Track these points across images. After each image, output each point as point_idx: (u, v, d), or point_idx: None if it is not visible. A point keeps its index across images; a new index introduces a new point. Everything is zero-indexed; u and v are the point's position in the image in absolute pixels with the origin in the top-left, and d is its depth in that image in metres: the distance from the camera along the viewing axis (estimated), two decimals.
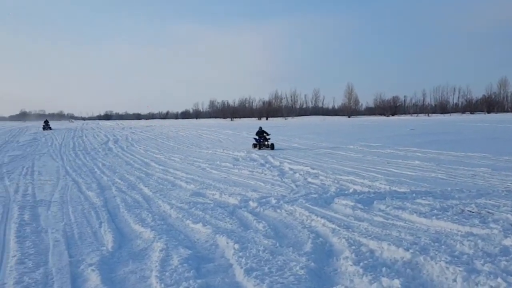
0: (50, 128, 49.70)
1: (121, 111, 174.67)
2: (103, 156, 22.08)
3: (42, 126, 50.94)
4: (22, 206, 9.16)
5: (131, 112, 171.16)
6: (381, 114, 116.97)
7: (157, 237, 6.47)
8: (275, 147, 23.40)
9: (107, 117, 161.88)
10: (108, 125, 71.94)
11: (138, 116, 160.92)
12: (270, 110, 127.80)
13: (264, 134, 23.77)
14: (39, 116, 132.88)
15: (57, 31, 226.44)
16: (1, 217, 8.24)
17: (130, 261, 5.57)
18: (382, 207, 8.26)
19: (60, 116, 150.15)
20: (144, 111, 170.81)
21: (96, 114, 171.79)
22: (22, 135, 40.53)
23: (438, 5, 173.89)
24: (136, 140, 33.20)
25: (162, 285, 4.57)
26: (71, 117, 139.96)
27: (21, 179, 13.61)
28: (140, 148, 26.15)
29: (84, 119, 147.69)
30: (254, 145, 23.77)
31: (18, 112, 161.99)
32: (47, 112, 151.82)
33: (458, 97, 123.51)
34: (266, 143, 23.34)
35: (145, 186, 11.75)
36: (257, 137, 23.99)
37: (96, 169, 16.13)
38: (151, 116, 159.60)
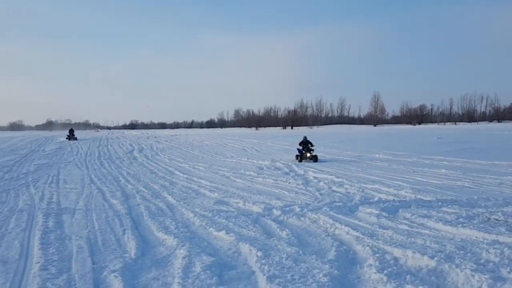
0: (76, 139, 45.72)
1: (146, 120, 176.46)
2: (128, 164, 22.24)
3: (66, 136, 46.93)
4: (46, 214, 9.29)
5: (156, 121, 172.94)
6: (407, 123, 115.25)
7: (180, 244, 6.47)
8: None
9: (132, 126, 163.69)
10: (133, 134, 72.56)
11: (163, 125, 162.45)
12: (295, 119, 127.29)
13: (309, 145, 21.55)
14: (65, 125, 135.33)
15: (83, 42, 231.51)
16: (25, 224, 8.39)
17: (153, 268, 5.60)
18: (407, 215, 8.16)
19: (85, 126, 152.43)
20: (169, 119, 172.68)
21: (121, 123, 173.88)
22: (48, 144, 41.24)
23: (465, 13, 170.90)
24: (160, 149, 33.38)
25: None
26: (97, 127, 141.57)
27: (47, 187, 13.83)
28: (164, 157, 26.21)
29: (109, 128, 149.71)
30: (297, 156, 21.46)
31: (44, 122, 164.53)
32: (73, 121, 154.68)
33: (486, 106, 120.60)
34: (308, 154, 21.03)
35: (169, 195, 11.79)
36: (300, 148, 21.72)
37: (120, 178, 16.28)
38: (176, 125, 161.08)
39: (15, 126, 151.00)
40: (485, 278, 4.57)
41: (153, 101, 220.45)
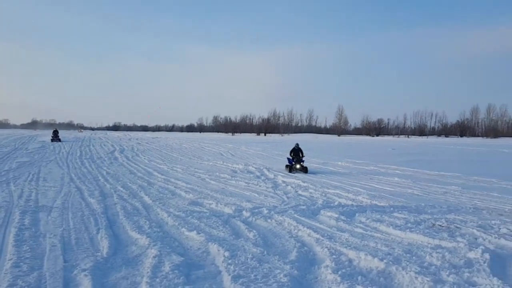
0: (59, 140, 41.47)
1: (129, 122, 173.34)
2: (108, 164, 21.40)
3: (51, 137, 42.01)
4: (24, 211, 8.78)
5: (138, 124, 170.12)
6: (367, 134, 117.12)
7: (151, 244, 6.23)
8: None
9: (116, 128, 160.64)
10: (115, 135, 70.62)
11: (145, 128, 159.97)
12: (268, 126, 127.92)
13: (300, 154, 18.83)
14: (49, 125, 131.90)
15: (70, 44, 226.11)
16: (2, 221, 7.90)
17: (123, 267, 5.34)
18: (363, 219, 8.18)
19: (69, 126, 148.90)
20: (151, 123, 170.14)
21: (105, 124, 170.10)
22: (32, 142, 39.63)
23: (421, 38, 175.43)
24: (141, 151, 32.55)
25: None
26: (81, 127, 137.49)
27: (26, 184, 13.14)
28: (144, 158, 25.49)
29: (93, 129, 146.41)
30: (287, 167, 18.65)
31: (29, 121, 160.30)
32: (57, 122, 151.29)
33: (435, 122, 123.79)
34: (297, 166, 18.06)
35: (146, 195, 11.39)
36: (290, 158, 18.90)
37: (100, 177, 15.65)
38: (157, 129, 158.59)
39: (0, 125, 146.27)
40: (427, 280, 4.58)
41: (136, 105, 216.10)
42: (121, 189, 12.60)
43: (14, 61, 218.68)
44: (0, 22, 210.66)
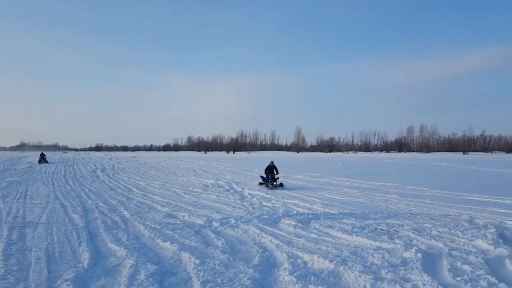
0: (46, 162, 39.28)
1: (110, 143, 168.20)
2: (91, 182, 20.68)
3: (38, 159, 39.80)
4: (11, 227, 8.40)
5: (119, 144, 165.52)
6: (321, 151, 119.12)
7: (129, 255, 6.06)
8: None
9: (98, 148, 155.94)
10: (98, 155, 68.64)
11: (125, 148, 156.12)
12: (236, 145, 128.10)
13: (274, 172, 17.66)
14: (37, 147, 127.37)
15: (56, 73, 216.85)
16: None
17: (103, 277, 5.17)
18: (317, 225, 8.24)
19: (55, 147, 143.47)
20: (130, 143, 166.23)
21: (88, 146, 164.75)
22: (20, 163, 38.18)
23: (364, 67, 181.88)
24: (121, 169, 31.62)
25: None
26: (65, 148, 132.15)
27: (14, 202, 12.54)
28: (124, 176, 24.75)
29: (76, 150, 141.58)
30: (261, 184, 17.51)
31: (18, 143, 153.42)
32: (44, 144, 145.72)
33: (378, 139, 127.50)
34: (274, 183, 16.85)
35: (125, 209, 11.01)
36: (265, 176, 17.56)
37: (83, 194, 15.08)
38: (136, 148, 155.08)
39: None
40: (368, 278, 4.67)
41: (117, 127, 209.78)
42: (102, 204, 12.17)
43: (2, 88, 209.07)
44: None
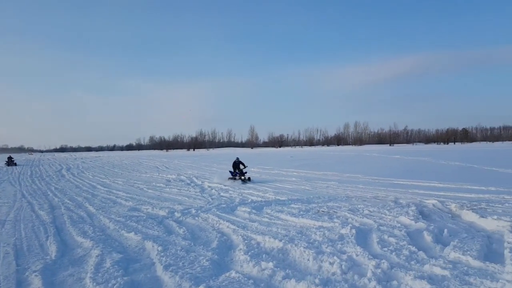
0: (15, 164, 35.43)
1: (74, 144, 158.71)
2: (56, 181, 19.42)
3: (6, 162, 35.72)
4: None
5: (83, 145, 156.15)
6: (272, 146, 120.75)
7: (95, 246, 5.82)
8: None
9: (62, 150, 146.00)
10: (62, 156, 64.89)
11: (89, 149, 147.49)
12: (196, 143, 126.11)
13: (241, 166, 16.59)
14: (2, 149, 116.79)
15: (19, 78, 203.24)
16: None
17: (70, 266, 4.95)
18: (269, 211, 8.34)
19: (21, 150, 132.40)
20: (94, 144, 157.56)
21: (52, 147, 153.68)
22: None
23: (309, 72, 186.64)
24: (86, 168, 30.00)
25: (94, 283, 4.13)
26: (31, 150, 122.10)
27: None
28: (89, 174, 23.46)
29: (42, 151, 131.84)
30: (230, 179, 16.31)
31: None
32: (9, 146, 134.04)
33: (320, 135, 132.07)
34: (242, 177, 15.83)
35: (90, 205, 10.48)
36: (232, 170, 16.67)
37: (49, 192, 14.16)
38: (100, 149, 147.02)
39: None
40: (312, 252, 4.83)
41: (81, 129, 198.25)
42: (68, 201, 11.46)
43: None
44: None
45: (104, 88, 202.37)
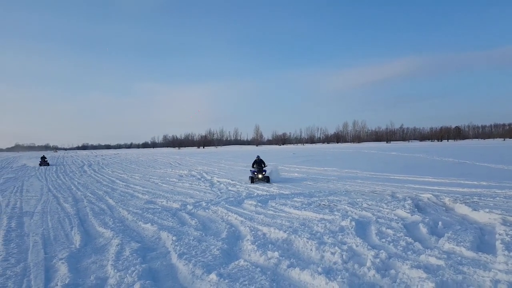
0: (48, 164, 30.34)
1: (95, 142, 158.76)
2: (79, 176, 19.71)
3: (39, 162, 31.03)
4: (10, 216, 7.96)
5: (102, 143, 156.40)
6: (276, 144, 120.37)
7: (115, 235, 5.90)
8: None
9: (84, 147, 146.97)
10: (84, 153, 65.37)
11: (108, 147, 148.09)
12: (206, 141, 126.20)
13: (262, 165, 14.32)
14: (30, 147, 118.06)
15: (45, 82, 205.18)
16: None
17: (93, 254, 5.02)
18: (273, 204, 8.36)
19: (46, 148, 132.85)
20: (113, 142, 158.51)
21: (75, 145, 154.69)
22: (15, 162, 35.93)
23: (309, 75, 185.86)
24: (105, 164, 30.31)
25: (115, 270, 4.17)
26: (56, 148, 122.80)
27: (12, 195, 11.81)
28: (108, 170, 23.73)
29: (65, 149, 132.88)
30: (251, 178, 13.89)
31: (13, 145, 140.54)
32: (36, 145, 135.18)
33: (320, 133, 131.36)
34: (259, 176, 13.78)
35: (110, 198, 10.63)
36: (253, 169, 14.30)
37: (72, 186, 14.39)
38: (118, 146, 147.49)
39: None
40: (314, 243, 4.83)
41: (100, 127, 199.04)
42: (90, 195, 11.64)
43: None
44: None
45: (120, 90, 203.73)
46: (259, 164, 14.37)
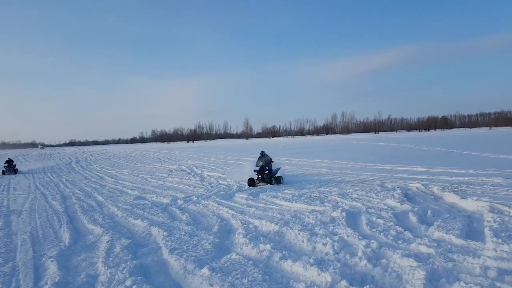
0: (15, 172, 20.45)
1: (82, 139, 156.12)
2: (67, 173, 19.37)
3: (2, 170, 20.60)
4: None
5: (90, 139, 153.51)
6: (266, 137, 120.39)
7: (105, 232, 5.81)
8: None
9: (71, 144, 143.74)
10: (72, 150, 64.27)
11: (96, 143, 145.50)
12: (195, 135, 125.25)
13: (267, 166, 10.96)
14: (16, 145, 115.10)
15: (30, 80, 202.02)
16: None
17: (83, 252, 4.93)
18: (264, 197, 8.36)
19: (33, 145, 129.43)
20: (100, 138, 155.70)
21: (62, 142, 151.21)
22: (1, 161, 34.76)
23: (298, 67, 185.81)
24: (93, 160, 29.88)
25: (106, 267, 4.11)
26: (42, 145, 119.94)
27: None
28: (96, 166, 23.40)
29: (52, 146, 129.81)
30: (249, 180, 10.74)
31: None
32: (22, 142, 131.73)
33: (309, 125, 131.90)
34: (261, 176, 10.81)
35: (99, 195, 10.46)
36: (256, 168, 11.17)
37: (60, 184, 14.12)
38: (106, 142, 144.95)
39: None
40: (305, 234, 4.84)
41: (87, 124, 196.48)
42: (78, 191, 11.44)
43: None
44: None
45: (108, 85, 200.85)
46: (266, 161, 11.13)
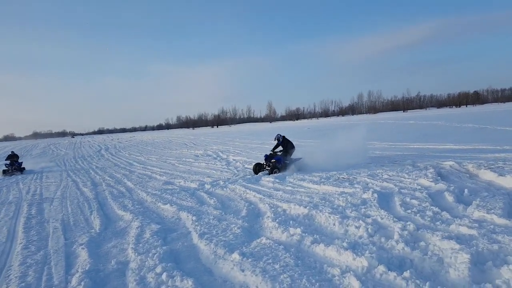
0: (21, 170, 15.73)
1: (110, 127, 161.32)
2: (97, 160, 20.07)
3: (3, 170, 15.51)
4: (30, 203, 8.12)
5: (118, 127, 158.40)
6: (290, 120, 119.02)
7: (134, 218, 5.88)
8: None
9: (100, 132, 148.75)
10: (101, 138, 66.52)
11: (123, 130, 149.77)
12: (219, 120, 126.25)
13: (285, 149, 10.01)
14: (48, 134, 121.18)
15: (63, 70, 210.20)
16: (13, 213, 7.23)
17: (113, 238, 5.01)
18: (291, 180, 8.21)
19: (63, 134, 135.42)
20: (128, 125, 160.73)
21: (91, 130, 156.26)
22: (34, 149, 36.96)
23: (322, 46, 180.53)
24: (122, 147, 30.69)
25: (136, 254, 4.14)
26: (73, 134, 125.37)
27: (32, 182, 12.12)
28: (125, 153, 24.02)
29: (82, 134, 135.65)
30: (255, 166, 9.94)
31: (31, 133, 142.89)
32: (53, 131, 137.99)
33: (335, 106, 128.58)
34: (268, 163, 9.79)
35: (128, 181, 10.72)
36: (268, 154, 10.12)
37: (91, 171, 14.65)
38: (133, 130, 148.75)
39: (8, 138, 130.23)
40: (337, 217, 4.66)
41: (115, 111, 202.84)
42: (108, 178, 11.81)
43: (15, 87, 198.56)
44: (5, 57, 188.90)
45: (134, 73, 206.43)
46: (286, 146, 10.00)
